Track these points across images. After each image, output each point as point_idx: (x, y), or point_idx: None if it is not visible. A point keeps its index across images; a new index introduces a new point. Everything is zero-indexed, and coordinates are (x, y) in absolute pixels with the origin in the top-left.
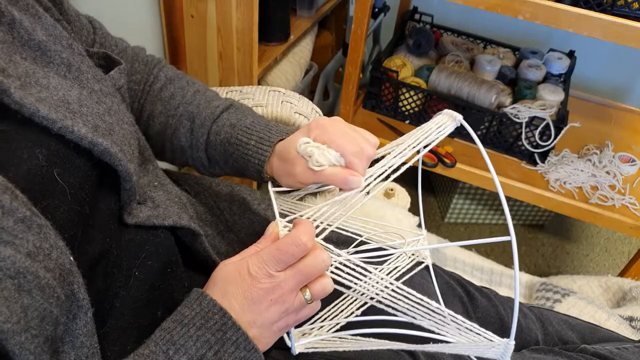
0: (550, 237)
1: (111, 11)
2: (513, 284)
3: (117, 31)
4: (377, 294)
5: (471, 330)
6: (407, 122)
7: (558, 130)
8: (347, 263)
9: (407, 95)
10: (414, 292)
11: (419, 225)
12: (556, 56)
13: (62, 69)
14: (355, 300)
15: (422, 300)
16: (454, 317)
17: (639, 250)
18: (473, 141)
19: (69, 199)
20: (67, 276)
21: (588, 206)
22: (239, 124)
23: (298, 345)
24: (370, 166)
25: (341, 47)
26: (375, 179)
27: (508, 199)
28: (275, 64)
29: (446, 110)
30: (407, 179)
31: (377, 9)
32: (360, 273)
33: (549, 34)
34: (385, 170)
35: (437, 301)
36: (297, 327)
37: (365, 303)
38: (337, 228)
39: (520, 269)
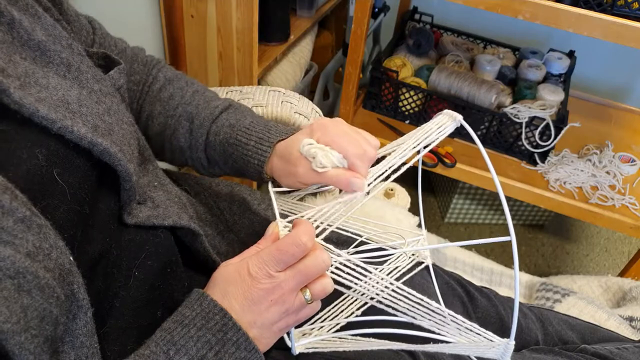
0: (550, 237)
1: (111, 11)
2: (513, 284)
3: (117, 31)
4: (377, 294)
5: (471, 330)
6: (407, 122)
7: (558, 130)
8: (348, 263)
9: (407, 95)
10: (414, 292)
11: (419, 225)
12: (556, 56)
13: (62, 69)
14: (356, 300)
15: (422, 300)
16: (454, 317)
17: (639, 250)
18: (473, 141)
19: (68, 199)
20: (67, 276)
21: (588, 206)
22: (238, 124)
23: (298, 345)
24: (371, 167)
25: (341, 47)
26: (375, 179)
27: (508, 199)
28: (275, 64)
29: (446, 111)
30: (407, 179)
31: (377, 9)
32: (361, 273)
33: (549, 34)
34: (386, 171)
35: (437, 301)
36: (297, 327)
37: (366, 303)
38: (337, 228)
39: (520, 269)
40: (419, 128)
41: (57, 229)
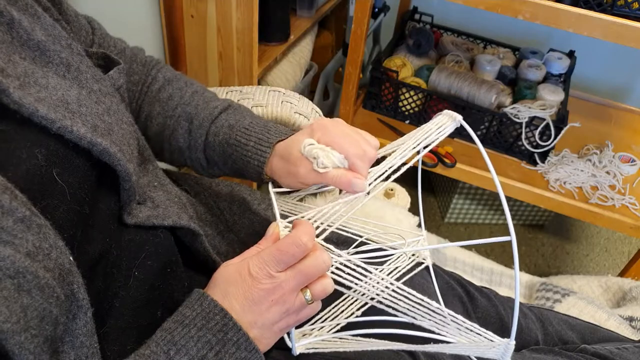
0: (550, 237)
1: (111, 11)
2: (513, 284)
3: (117, 31)
4: (377, 295)
5: (471, 330)
6: (407, 122)
7: (558, 130)
8: (348, 263)
9: (407, 95)
10: (414, 292)
11: (419, 226)
12: (556, 56)
13: (61, 69)
14: (356, 300)
15: (422, 300)
16: (454, 317)
17: (639, 250)
18: (473, 141)
19: (68, 199)
20: (67, 276)
21: (588, 206)
22: (237, 125)
23: (299, 345)
24: (371, 167)
25: (341, 47)
26: (375, 179)
27: (508, 199)
28: (275, 64)
29: (446, 111)
30: (407, 179)
31: (377, 9)
32: (361, 273)
33: (549, 34)
34: (386, 171)
35: (437, 301)
36: (297, 327)
37: (366, 303)
38: (338, 229)
39: (520, 269)
40: (418, 128)
41: (56, 229)
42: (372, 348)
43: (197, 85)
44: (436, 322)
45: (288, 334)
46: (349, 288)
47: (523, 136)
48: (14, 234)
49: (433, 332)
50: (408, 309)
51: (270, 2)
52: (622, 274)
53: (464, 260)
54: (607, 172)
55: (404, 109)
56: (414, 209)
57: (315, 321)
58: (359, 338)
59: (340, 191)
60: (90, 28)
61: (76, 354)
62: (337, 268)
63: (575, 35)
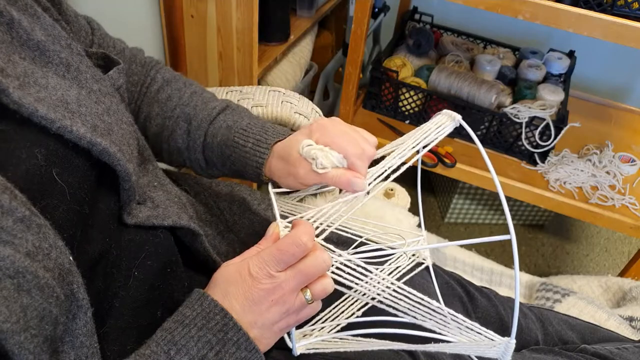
0: (550, 237)
1: (111, 11)
2: (513, 283)
3: (117, 31)
4: (378, 294)
5: (472, 330)
6: (407, 122)
7: (558, 130)
8: (348, 263)
9: (407, 95)
10: (414, 292)
11: (419, 225)
12: (556, 56)
13: (61, 69)
14: (356, 300)
15: (422, 300)
16: (454, 316)
17: (639, 250)
18: (473, 141)
19: (68, 199)
20: (67, 276)
21: (588, 206)
22: (235, 125)
23: (299, 346)
24: (370, 166)
25: (341, 47)
26: (375, 179)
27: (508, 199)
28: (275, 64)
29: (445, 111)
30: (407, 179)
31: (377, 9)
32: (361, 273)
33: (549, 34)
34: (385, 171)
35: (438, 301)
36: (297, 327)
37: (366, 304)
38: (337, 229)
39: (520, 269)
40: (418, 128)
41: (56, 229)
42: (373, 348)
43: (195, 86)
44: (437, 322)
45: (288, 334)
46: (349, 288)
47: (523, 136)
48: (13, 233)
49: (433, 332)
50: (408, 309)
51: (270, 2)
52: (622, 274)
53: (464, 260)
54: (607, 172)
55: (404, 109)
56: (414, 209)
57: (316, 321)
58: (359, 338)
59: (340, 191)
60: (89, 28)
61: (76, 353)
62: (337, 268)
63: (575, 35)
